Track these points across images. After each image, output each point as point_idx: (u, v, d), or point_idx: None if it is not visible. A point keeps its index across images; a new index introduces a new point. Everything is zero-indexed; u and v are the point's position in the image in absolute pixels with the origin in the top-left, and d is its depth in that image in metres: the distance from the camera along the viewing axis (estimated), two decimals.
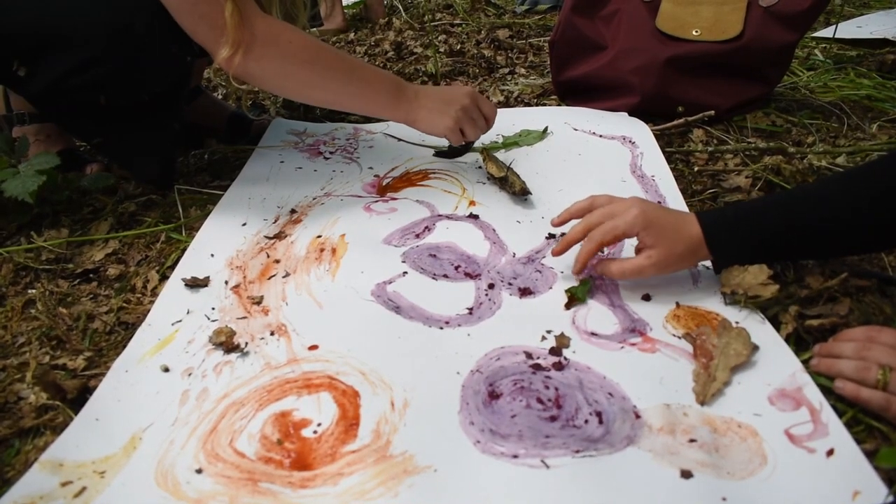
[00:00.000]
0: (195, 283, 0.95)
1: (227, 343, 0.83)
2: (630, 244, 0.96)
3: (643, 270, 0.88)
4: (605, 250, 0.98)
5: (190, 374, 0.80)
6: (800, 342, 0.83)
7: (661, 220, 0.88)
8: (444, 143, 1.39)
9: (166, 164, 1.22)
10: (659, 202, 1.14)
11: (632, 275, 0.90)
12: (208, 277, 0.97)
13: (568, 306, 0.90)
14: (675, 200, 1.15)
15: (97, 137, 1.17)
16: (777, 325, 0.84)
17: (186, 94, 1.29)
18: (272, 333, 0.86)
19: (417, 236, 1.07)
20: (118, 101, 1.08)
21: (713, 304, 0.89)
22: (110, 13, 0.99)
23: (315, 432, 0.71)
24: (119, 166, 1.26)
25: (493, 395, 0.75)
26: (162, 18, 1.00)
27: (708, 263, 0.96)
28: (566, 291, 0.92)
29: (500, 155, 1.32)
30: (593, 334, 0.85)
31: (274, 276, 0.97)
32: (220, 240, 1.06)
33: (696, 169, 1.29)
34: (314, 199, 1.19)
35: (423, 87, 1.20)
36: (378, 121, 1.55)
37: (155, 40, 1.03)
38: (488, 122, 1.23)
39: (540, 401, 0.75)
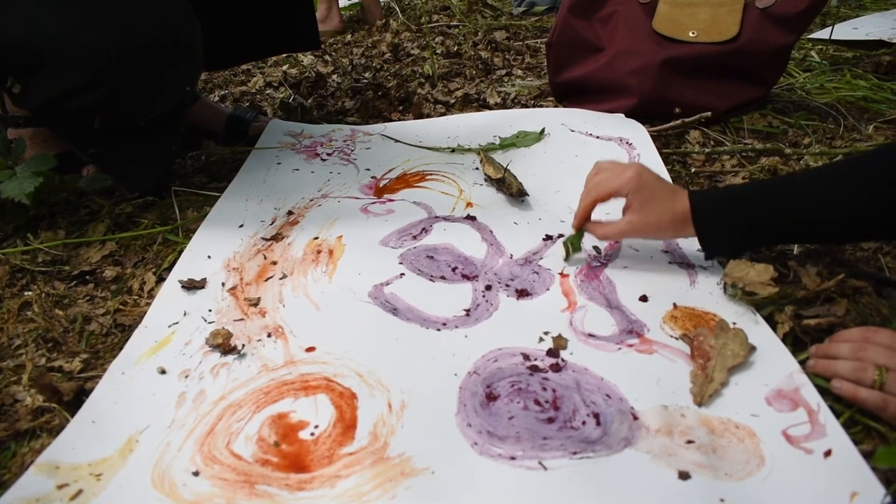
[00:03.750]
0: (192, 285, 0.95)
1: (223, 345, 0.83)
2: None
3: (622, 233, 0.94)
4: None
5: (187, 376, 0.80)
6: (797, 343, 0.83)
7: (652, 187, 0.91)
8: (441, 143, 1.39)
9: (161, 178, 1.21)
10: None
11: (613, 237, 0.97)
12: (205, 279, 0.97)
13: (566, 259, 0.99)
14: None
15: (92, 149, 1.16)
16: (773, 324, 0.85)
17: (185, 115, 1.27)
18: (269, 335, 0.86)
19: (415, 238, 1.07)
20: (113, 125, 1.08)
21: (710, 305, 0.89)
22: (108, 39, 0.99)
23: (312, 434, 0.71)
24: (113, 178, 1.25)
25: (491, 397, 0.75)
26: (161, 46, 1.00)
27: (705, 264, 0.96)
28: (563, 244, 1.01)
29: (498, 156, 1.32)
30: (591, 335, 0.85)
31: (271, 277, 0.97)
32: (217, 241, 1.06)
33: (692, 170, 1.30)
34: (311, 200, 1.19)
35: None
36: (376, 122, 1.56)
37: (152, 68, 1.02)
38: None
39: (537, 402, 0.74)
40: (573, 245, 0.99)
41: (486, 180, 1.24)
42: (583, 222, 0.98)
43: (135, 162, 1.18)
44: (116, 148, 1.14)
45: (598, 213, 0.99)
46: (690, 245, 1.02)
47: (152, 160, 1.19)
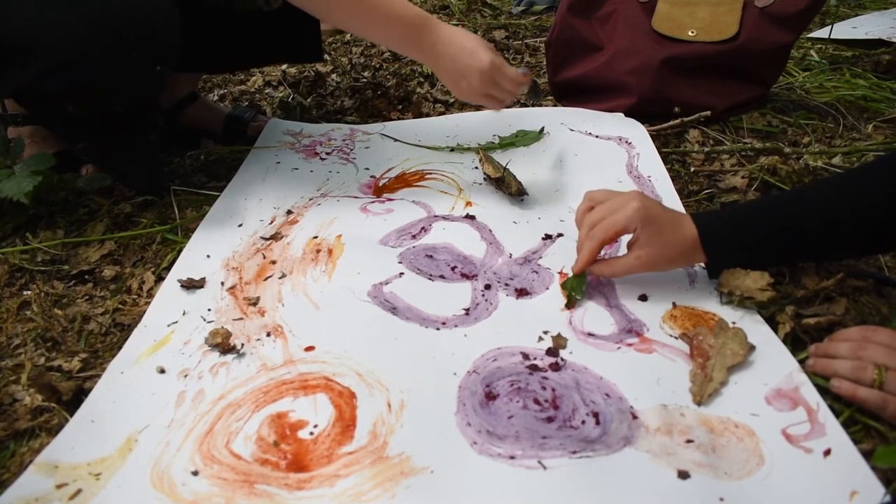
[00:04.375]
0: (191, 285, 0.95)
1: (223, 344, 0.83)
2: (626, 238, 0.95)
3: (631, 270, 0.89)
4: (604, 250, 0.97)
5: (186, 376, 0.80)
6: (796, 342, 0.83)
7: (659, 218, 0.87)
8: (441, 143, 1.39)
9: (149, 172, 1.20)
10: None
11: (621, 274, 0.91)
12: (204, 278, 0.97)
13: (568, 306, 0.90)
14: (672, 201, 1.15)
15: (80, 142, 1.15)
16: (774, 325, 0.85)
17: (161, 104, 1.25)
18: (268, 335, 0.86)
19: (414, 237, 1.06)
20: (87, 111, 1.07)
21: (710, 305, 0.89)
22: (72, 23, 0.97)
23: (311, 434, 0.71)
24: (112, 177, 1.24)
25: (490, 396, 0.75)
26: (129, 29, 0.99)
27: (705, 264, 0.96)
28: (562, 287, 0.93)
29: (497, 155, 1.32)
30: (590, 335, 0.85)
31: (270, 277, 0.97)
32: (216, 241, 1.06)
33: (692, 169, 1.29)
34: (310, 199, 1.19)
35: (443, 36, 1.12)
36: (375, 121, 1.56)
37: (120, 51, 1.01)
38: (512, 89, 1.17)
39: (537, 402, 0.74)
40: (575, 290, 0.91)
41: (485, 179, 1.24)
42: (588, 266, 0.91)
43: (122, 155, 1.16)
44: (102, 141, 1.13)
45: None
46: None
47: (137, 153, 1.17)
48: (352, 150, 1.38)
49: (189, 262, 1.01)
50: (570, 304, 0.90)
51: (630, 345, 0.83)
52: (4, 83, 1.03)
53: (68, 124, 1.12)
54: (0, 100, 1.20)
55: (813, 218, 0.85)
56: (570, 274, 0.94)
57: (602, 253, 0.94)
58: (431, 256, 1.01)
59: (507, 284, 0.95)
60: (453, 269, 0.99)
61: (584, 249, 0.91)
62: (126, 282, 0.99)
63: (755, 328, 0.84)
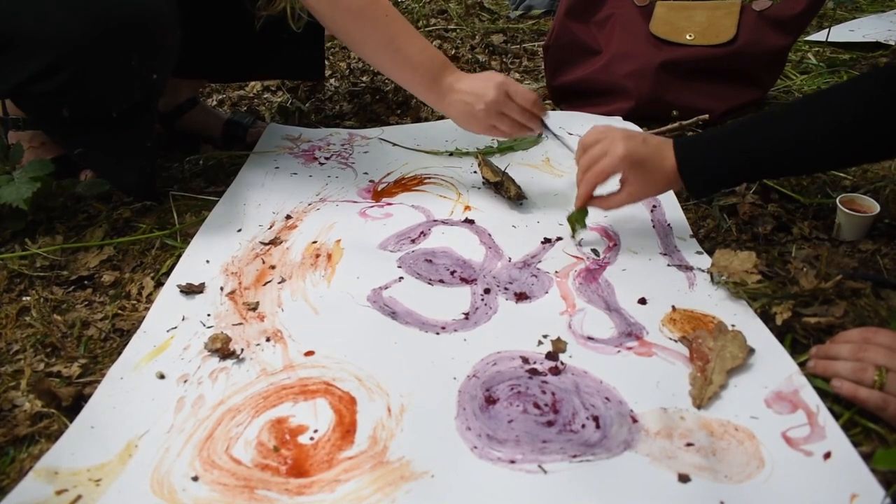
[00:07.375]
0: (190, 290, 0.95)
1: (222, 349, 0.83)
2: None
3: (624, 204, 1.02)
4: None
5: (186, 381, 0.80)
6: (795, 345, 0.83)
7: (643, 160, 0.97)
8: (439, 147, 1.39)
9: (145, 178, 1.20)
10: (654, 206, 1.14)
11: (616, 207, 1.03)
12: (203, 284, 0.97)
13: (573, 236, 1.06)
14: (670, 203, 1.15)
15: (78, 147, 1.15)
16: (771, 317, 0.85)
17: (156, 110, 1.24)
18: (268, 340, 0.86)
19: (413, 241, 1.07)
20: (81, 114, 1.07)
21: (709, 308, 0.89)
22: (75, 22, 0.97)
23: (312, 439, 0.71)
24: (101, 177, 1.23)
25: (490, 400, 0.75)
26: (128, 31, 0.99)
27: (704, 266, 0.97)
28: (567, 219, 1.06)
29: (496, 160, 1.32)
30: (590, 338, 0.85)
31: (269, 281, 0.97)
32: (216, 246, 1.06)
33: None
34: (309, 204, 1.19)
35: (460, 80, 1.14)
36: (373, 126, 1.56)
37: (119, 53, 1.01)
38: (524, 112, 1.14)
39: (537, 406, 0.74)
40: (578, 221, 1.04)
41: (483, 184, 1.24)
42: (586, 203, 1.03)
43: (117, 161, 1.16)
44: (98, 147, 1.13)
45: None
46: (689, 247, 1.03)
47: (132, 159, 1.17)
48: (350, 154, 1.39)
49: (188, 267, 1.01)
50: (574, 234, 1.06)
51: (630, 348, 0.83)
52: (1, 80, 1.02)
53: (64, 129, 1.12)
54: (2, 103, 1.20)
55: (791, 138, 0.92)
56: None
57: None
58: (431, 261, 1.01)
59: (506, 288, 0.95)
60: (452, 273, 0.99)
61: (580, 190, 1.03)
62: (125, 287, 0.99)
63: (754, 331, 0.84)
